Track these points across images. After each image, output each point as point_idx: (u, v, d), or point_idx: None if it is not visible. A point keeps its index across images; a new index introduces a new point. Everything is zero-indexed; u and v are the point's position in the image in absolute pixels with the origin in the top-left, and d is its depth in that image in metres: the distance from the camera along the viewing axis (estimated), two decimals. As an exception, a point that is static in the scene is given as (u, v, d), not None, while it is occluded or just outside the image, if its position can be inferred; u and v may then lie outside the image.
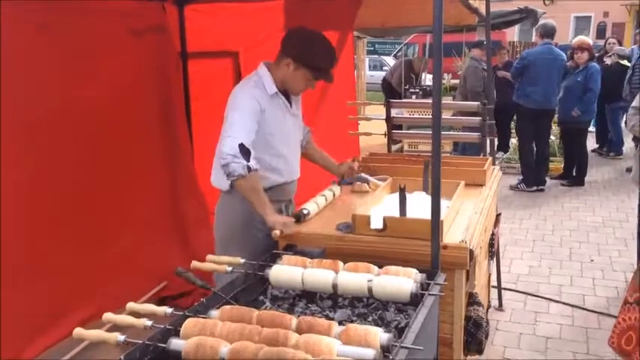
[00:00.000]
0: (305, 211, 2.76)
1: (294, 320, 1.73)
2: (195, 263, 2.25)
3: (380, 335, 1.63)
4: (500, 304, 4.19)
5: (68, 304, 3.39)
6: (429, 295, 2.00)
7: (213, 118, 2.79)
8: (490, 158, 3.67)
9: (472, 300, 2.63)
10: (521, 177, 7.59)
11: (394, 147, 4.19)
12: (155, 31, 3.65)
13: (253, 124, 2.64)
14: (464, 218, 2.73)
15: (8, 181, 2.91)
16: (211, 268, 2.22)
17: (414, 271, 2.09)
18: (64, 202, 3.29)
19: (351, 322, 2.10)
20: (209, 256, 2.32)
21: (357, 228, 2.56)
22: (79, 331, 1.74)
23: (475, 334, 2.57)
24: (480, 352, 2.65)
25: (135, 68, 3.49)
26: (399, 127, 6.12)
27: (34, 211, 3.13)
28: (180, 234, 4.01)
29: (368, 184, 3.29)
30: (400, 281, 2.00)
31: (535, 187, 7.39)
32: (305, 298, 2.26)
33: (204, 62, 4.17)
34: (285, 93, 2.83)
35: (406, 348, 1.64)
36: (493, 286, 4.06)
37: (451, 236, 2.50)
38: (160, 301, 4.21)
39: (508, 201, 6.94)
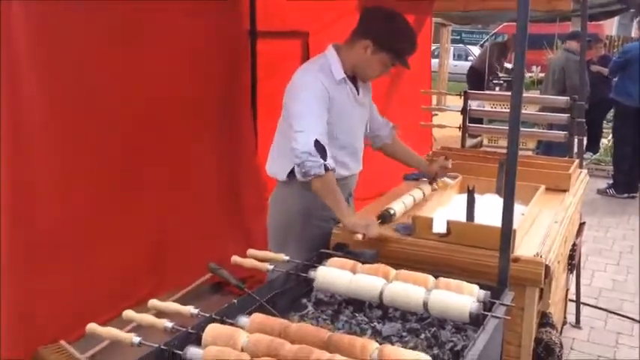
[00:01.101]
0: (392, 212, 2.50)
1: (325, 338, 1.50)
2: (235, 258, 2.06)
3: (428, 365, 1.38)
4: (578, 321, 3.81)
5: (119, 289, 3.32)
6: (492, 317, 1.73)
7: (279, 102, 2.58)
8: (577, 160, 3.30)
9: (545, 321, 2.32)
10: (611, 181, 7.02)
11: (472, 142, 3.88)
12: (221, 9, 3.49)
13: (324, 113, 2.41)
14: (541, 228, 2.41)
15: (56, 164, 2.84)
16: (251, 265, 2.03)
17: (476, 287, 1.81)
18: (117, 185, 3.20)
19: (400, 337, 1.86)
20: (250, 251, 2.13)
21: (418, 231, 2.30)
22: (92, 327, 1.58)
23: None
24: (550, 381, 2.33)
25: (196, 45, 3.35)
26: (479, 121, 5.74)
27: (83, 192, 3.05)
28: (237, 221, 3.87)
29: (437, 181, 3.00)
30: (459, 299, 1.74)
31: (626, 194, 6.82)
32: (353, 305, 2.03)
33: (273, 42, 3.98)
34: (353, 79, 2.59)
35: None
36: (571, 300, 3.69)
37: (525, 248, 2.20)
38: (215, 287, 4.10)
39: (594, 206, 6.42)
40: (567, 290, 3.45)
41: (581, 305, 3.86)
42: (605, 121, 7.95)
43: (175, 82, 3.27)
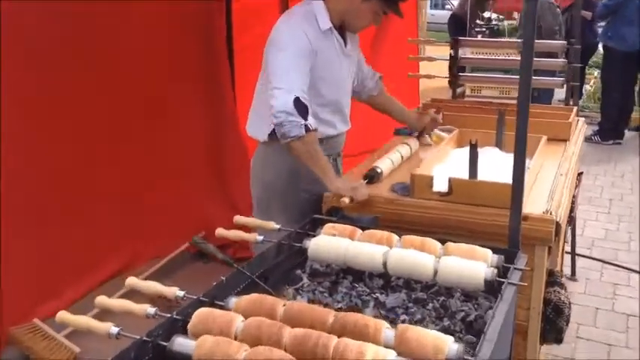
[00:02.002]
0: (378, 170, 2.33)
1: (330, 318, 1.33)
2: (220, 231, 1.87)
3: (449, 347, 1.22)
4: (574, 273, 3.72)
5: (95, 258, 3.13)
6: (509, 284, 1.57)
7: (259, 57, 2.36)
8: (575, 108, 3.13)
9: (553, 280, 2.19)
10: (596, 128, 6.92)
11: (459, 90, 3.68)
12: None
13: (306, 69, 2.20)
14: (546, 182, 2.26)
15: (28, 126, 2.61)
16: (238, 237, 1.85)
17: (489, 252, 1.65)
18: (87, 147, 2.97)
19: (406, 309, 1.70)
20: (237, 218, 1.94)
21: (416, 191, 2.13)
22: (63, 315, 1.40)
23: (555, 321, 2.14)
24: (559, 341, 2.22)
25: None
26: (462, 70, 5.52)
27: (52, 156, 2.82)
28: (218, 183, 3.65)
29: (430, 135, 2.83)
30: (472, 265, 1.58)
31: (612, 141, 6.73)
32: (351, 275, 1.87)
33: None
34: (340, 29, 2.36)
35: (482, 365, 1.23)
36: (566, 252, 3.59)
37: (531, 205, 2.04)
38: (199, 254, 3.92)
39: (580, 154, 6.31)
40: (565, 243, 3.34)
41: (576, 257, 3.77)
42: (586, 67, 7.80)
43: (150, 38, 3.02)
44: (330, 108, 2.40)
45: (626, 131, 6.96)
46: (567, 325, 2.21)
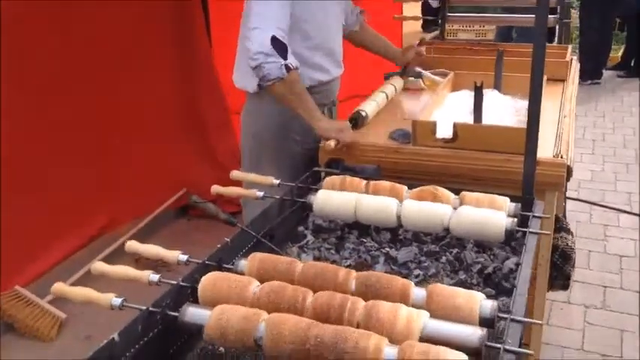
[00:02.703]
0: (363, 113, 2.22)
1: (352, 279, 1.24)
2: (216, 188, 1.75)
3: (482, 304, 1.14)
4: (564, 216, 3.68)
5: (74, 219, 3.00)
6: (531, 233, 1.49)
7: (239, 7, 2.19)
8: (570, 46, 3.03)
9: (559, 226, 2.13)
10: (574, 68, 6.84)
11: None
12: None
13: (285, 8, 2.04)
14: (551, 124, 2.17)
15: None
16: (237, 193, 1.73)
17: (507, 200, 1.57)
18: (62, 105, 2.80)
19: (419, 263, 1.62)
20: (234, 173, 1.82)
21: (419, 138, 2.02)
22: (59, 288, 1.28)
23: (562, 268, 2.09)
24: (566, 287, 2.18)
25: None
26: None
27: (27, 116, 2.65)
28: (199, 137, 3.51)
29: (422, 79, 2.71)
30: (491, 215, 1.49)
31: (590, 81, 6.67)
32: (356, 229, 1.77)
33: None
34: None
35: (518, 322, 1.15)
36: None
37: (539, 149, 1.93)
38: (181, 211, 3.79)
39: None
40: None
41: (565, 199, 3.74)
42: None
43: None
44: (321, 51, 2.25)
45: (604, 71, 6.91)
46: (573, 270, 2.17)
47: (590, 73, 6.66)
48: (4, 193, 2.56)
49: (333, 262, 1.67)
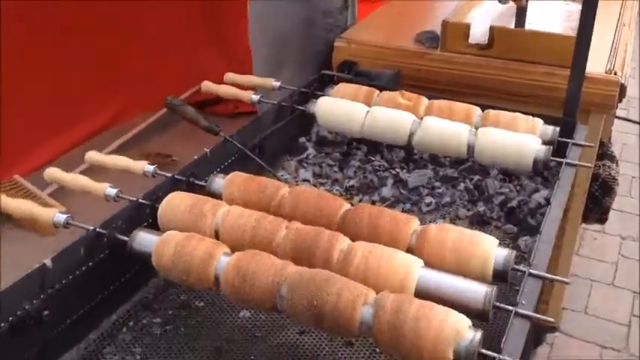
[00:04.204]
0: None
1: (343, 209, 1.02)
2: (207, 85, 1.53)
3: (496, 254, 0.92)
4: (609, 140, 3.36)
5: (81, 108, 2.83)
6: (567, 165, 1.25)
7: None
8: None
9: (603, 152, 1.86)
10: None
11: None
12: None
13: None
14: (606, 33, 1.85)
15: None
16: (230, 94, 1.51)
17: (540, 122, 1.31)
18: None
19: (432, 189, 1.40)
20: (228, 76, 1.60)
21: (448, 42, 1.74)
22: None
23: (601, 200, 1.84)
24: (603, 221, 1.94)
25: None
26: None
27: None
28: (211, 31, 3.23)
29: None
30: (519, 140, 1.24)
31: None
32: (366, 145, 1.55)
33: None
34: None
35: (538, 277, 0.93)
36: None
37: (590, 62, 1.64)
38: (197, 107, 3.58)
39: None
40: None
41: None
42: None
43: None
44: None
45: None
46: (613, 202, 1.92)
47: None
48: (9, 77, 2.39)
49: (335, 180, 1.47)
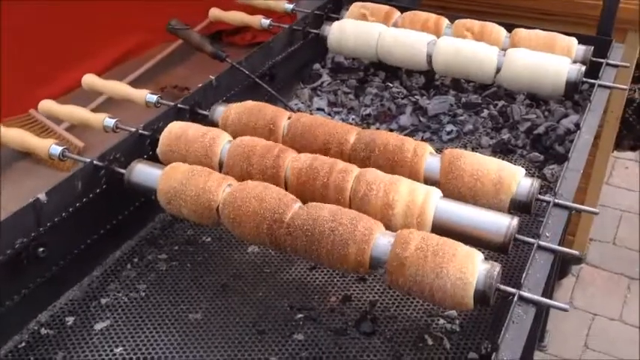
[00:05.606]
0: None
1: (352, 137, 0.95)
2: (215, 12, 1.45)
3: (519, 182, 0.85)
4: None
5: (99, 38, 2.75)
6: (600, 87, 1.15)
7: None
8: None
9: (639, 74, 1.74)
10: None
11: None
12: None
13: None
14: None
15: None
16: (238, 20, 1.42)
17: (573, 41, 1.21)
18: None
19: (454, 116, 1.32)
20: (237, -2, 1.50)
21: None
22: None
23: (635, 126, 1.75)
24: (636, 148, 1.84)
25: None
26: None
27: None
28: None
29: None
30: (550, 61, 1.14)
31: None
32: (384, 71, 1.46)
33: None
34: None
35: (564, 207, 0.86)
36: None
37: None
38: (214, 37, 3.48)
39: None
40: None
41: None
42: None
43: None
44: None
45: None
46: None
47: None
48: (26, 9, 2.32)
49: (351, 109, 1.39)
